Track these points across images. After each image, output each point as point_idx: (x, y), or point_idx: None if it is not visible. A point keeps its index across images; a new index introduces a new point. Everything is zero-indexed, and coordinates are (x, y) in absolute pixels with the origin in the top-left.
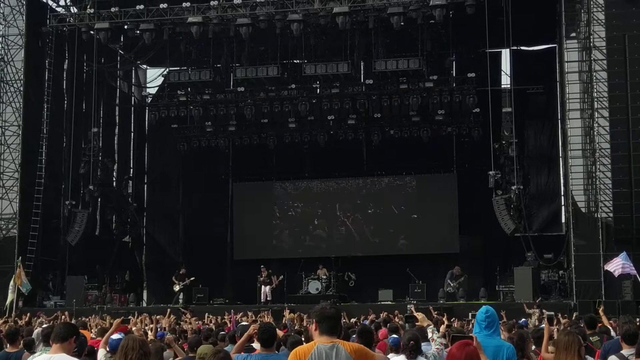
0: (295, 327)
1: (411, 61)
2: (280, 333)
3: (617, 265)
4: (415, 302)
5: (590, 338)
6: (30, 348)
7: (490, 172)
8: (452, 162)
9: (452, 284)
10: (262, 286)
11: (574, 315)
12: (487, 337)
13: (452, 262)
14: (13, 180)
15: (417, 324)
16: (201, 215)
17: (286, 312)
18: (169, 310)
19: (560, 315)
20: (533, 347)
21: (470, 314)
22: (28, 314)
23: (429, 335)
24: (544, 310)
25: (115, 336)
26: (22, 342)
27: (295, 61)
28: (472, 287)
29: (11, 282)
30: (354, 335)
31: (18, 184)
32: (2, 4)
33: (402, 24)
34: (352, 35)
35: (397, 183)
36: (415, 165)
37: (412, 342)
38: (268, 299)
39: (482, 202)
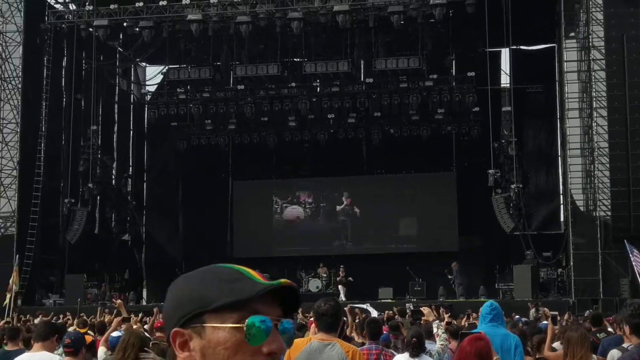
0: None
1: (411, 60)
2: None
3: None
4: (415, 300)
5: (598, 335)
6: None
7: (490, 171)
8: (452, 161)
9: (454, 271)
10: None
11: (570, 317)
12: (492, 327)
13: (451, 261)
14: (11, 178)
15: (423, 318)
16: (201, 213)
17: None
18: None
19: (558, 313)
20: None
21: (466, 312)
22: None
23: (434, 330)
24: (541, 309)
25: (115, 334)
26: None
27: (295, 59)
28: (472, 285)
29: (10, 281)
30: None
31: (17, 181)
32: (0, 1)
33: (402, 22)
34: (353, 34)
35: (396, 181)
36: (415, 164)
37: (414, 339)
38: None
39: (482, 200)
